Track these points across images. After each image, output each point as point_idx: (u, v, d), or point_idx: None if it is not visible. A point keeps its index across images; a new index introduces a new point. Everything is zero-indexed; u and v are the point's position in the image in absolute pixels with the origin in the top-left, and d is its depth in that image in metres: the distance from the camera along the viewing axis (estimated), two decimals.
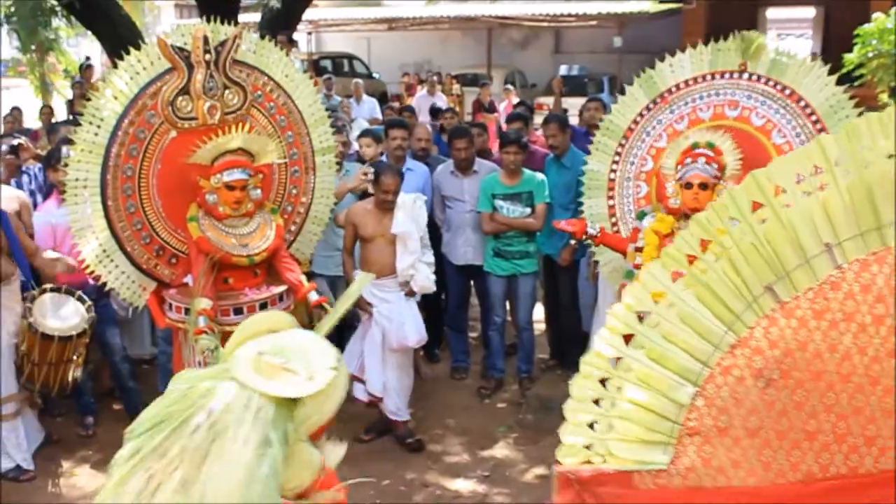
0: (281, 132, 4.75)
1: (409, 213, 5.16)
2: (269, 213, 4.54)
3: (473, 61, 22.04)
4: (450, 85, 16.79)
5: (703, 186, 4.02)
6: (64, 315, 4.79)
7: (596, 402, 1.99)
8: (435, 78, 16.51)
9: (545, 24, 21.78)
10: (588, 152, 5.06)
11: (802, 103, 4.47)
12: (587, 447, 1.99)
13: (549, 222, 5.40)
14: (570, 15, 20.90)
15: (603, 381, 2.00)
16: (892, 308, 1.77)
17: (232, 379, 1.60)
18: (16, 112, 10.44)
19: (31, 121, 12.18)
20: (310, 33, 24.04)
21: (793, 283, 1.86)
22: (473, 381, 6.27)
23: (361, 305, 5.11)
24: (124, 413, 5.56)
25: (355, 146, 6.76)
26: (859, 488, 1.81)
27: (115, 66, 4.53)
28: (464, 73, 19.51)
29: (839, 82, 4.53)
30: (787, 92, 4.50)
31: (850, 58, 8.73)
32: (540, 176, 5.86)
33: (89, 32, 11.23)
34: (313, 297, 4.50)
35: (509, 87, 16.42)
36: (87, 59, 18.27)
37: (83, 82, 12.85)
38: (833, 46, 12.75)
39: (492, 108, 14.34)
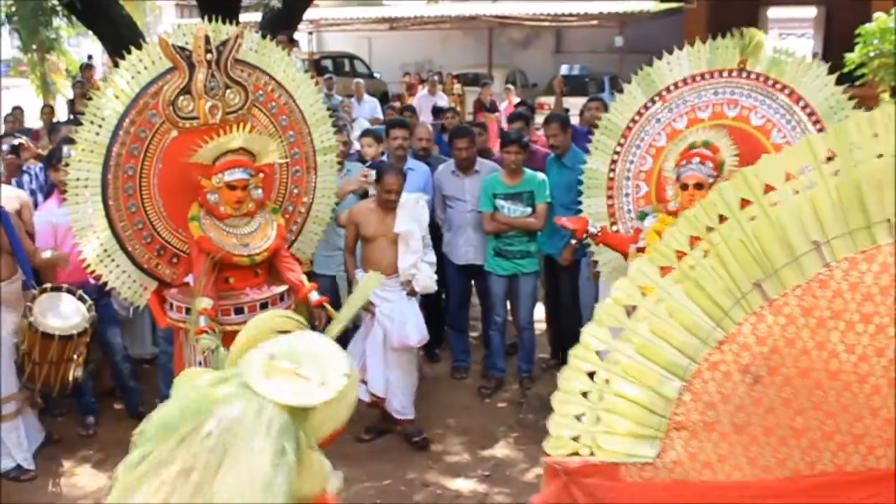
0: (282, 132, 4.76)
1: (412, 213, 5.17)
2: (270, 213, 4.54)
3: (474, 61, 22.03)
4: (451, 84, 16.80)
5: (699, 186, 4.03)
6: (64, 314, 4.79)
7: (584, 394, 2.01)
8: (436, 77, 16.52)
9: (546, 23, 21.78)
10: (589, 152, 5.07)
11: (802, 103, 4.46)
12: (574, 439, 2.00)
13: (550, 222, 5.41)
14: (571, 14, 20.91)
15: (591, 374, 2.01)
16: (880, 306, 1.78)
17: (243, 384, 1.55)
18: (17, 112, 10.42)
19: (32, 120, 12.19)
20: (311, 33, 24.07)
21: (781, 281, 1.87)
22: (474, 381, 6.28)
23: (364, 305, 5.11)
24: (125, 413, 5.59)
25: (356, 146, 6.76)
26: (847, 486, 1.82)
27: (116, 65, 4.54)
28: (465, 73, 19.52)
29: (841, 82, 4.51)
30: (787, 91, 4.49)
31: (852, 57, 8.76)
32: (541, 176, 5.86)
33: (90, 32, 11.27)
34: (314, 297, 4.52)
35: (510, 86, 16.43)
36: (89, 58, 18.30)
37: (84, 82, 12.83)
38: (834, 46, 12.75)
39: (493, 108, 14.36)
